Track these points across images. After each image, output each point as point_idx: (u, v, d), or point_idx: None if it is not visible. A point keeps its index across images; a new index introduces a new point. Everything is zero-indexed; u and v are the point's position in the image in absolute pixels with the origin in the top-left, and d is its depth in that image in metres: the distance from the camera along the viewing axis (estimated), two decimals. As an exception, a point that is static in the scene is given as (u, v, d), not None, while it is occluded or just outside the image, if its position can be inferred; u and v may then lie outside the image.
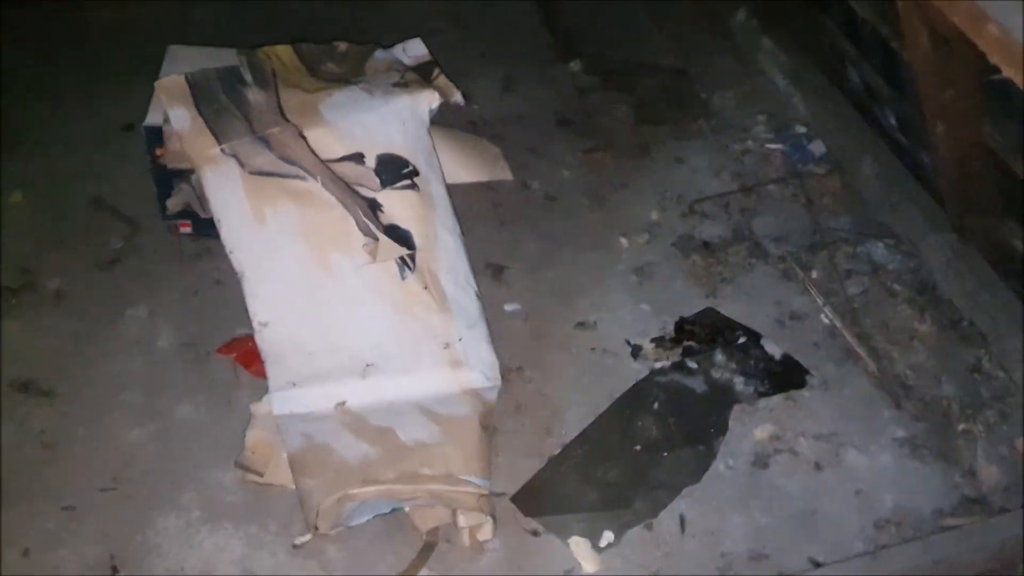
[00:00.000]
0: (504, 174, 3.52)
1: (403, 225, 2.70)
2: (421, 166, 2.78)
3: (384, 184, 2.72)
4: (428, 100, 2.84)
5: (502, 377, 2.82)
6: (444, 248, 2.75)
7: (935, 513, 2.60)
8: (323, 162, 2.68)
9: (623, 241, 3.35)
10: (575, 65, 4.06)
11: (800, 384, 2.92)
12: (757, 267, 3.30)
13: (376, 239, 2.64)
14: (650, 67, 4.10)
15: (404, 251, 2.66)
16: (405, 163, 2.75)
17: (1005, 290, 3.05)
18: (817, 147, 3.74)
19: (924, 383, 2.94)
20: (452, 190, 3.13)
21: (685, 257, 3.32)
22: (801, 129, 3.83)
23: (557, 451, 2.72)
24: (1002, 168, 2.66)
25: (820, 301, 3.17)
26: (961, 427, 2.81)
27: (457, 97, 3.02)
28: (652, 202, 3.52)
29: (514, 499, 2.59)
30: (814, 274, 3.27)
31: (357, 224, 2.65)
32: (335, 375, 2.66)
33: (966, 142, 2.73)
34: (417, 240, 2.70)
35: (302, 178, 2.65)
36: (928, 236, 3.27)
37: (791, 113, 3.87)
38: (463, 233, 2.94)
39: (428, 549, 2.41)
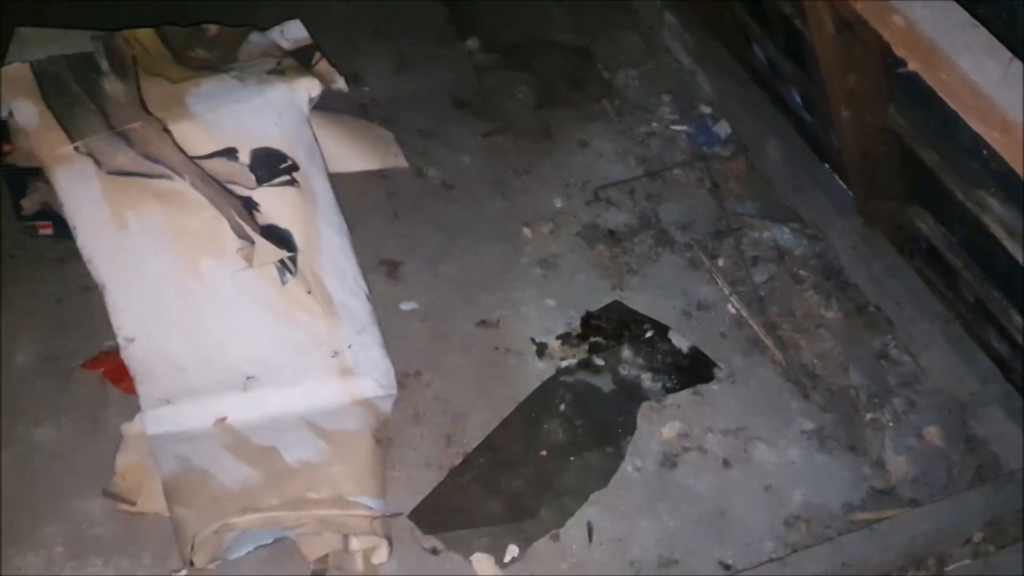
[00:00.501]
0: (398, 161, 3.32)
1: (282, 225, 2.49)
2: (301, 160, 2.56)
3: (260, 181, 2.50)
4: (307, 88, 2.62)
5: (398, 383, 2.65)
6: (329, 248, 2.55)
7: (844, 508, 2.56)
8: (191, 159, 2.44)
9: (526, 231, 3.20)
10: (472, 43, 3.87)
11: (708, 378, 2.84)
12: (664, 256, 3.19)
13: (252, 242, 2.42)
14: (551, 44, 3.94)
15: (284, 253, 2.45)
16: (283, 157, 2.53)
17: (911, 274, 3.02)
18: (722, 128, 3.66)
19: (831, 372, 2.89)
20: (340, 181, 2.93)
21: (591, 247, 3.19)
22: (706, 109, 3.74)
23: (458, 461, 2.57)
24: (908, 153, 2.59)
25: (727, 290, 3.09)
26: (868, 416, 2.77)
27: (340, 83, 2.81)
28: (556, 189, 3.37)
29: (412, 516, 2.44)
30: (720, 262, 3.19)
31: (231, 226, 2.42)
32: (213, 389, 2.45)
33: (871, 127, 2.65)
34: (298, 241, 2.49)
35: (168, 177, 2.41)
36: (835, 220, 3.22)
37: (696, 92, 3.77)
38: (351, 229, 2.74)
39: (317, 578, 2.24)
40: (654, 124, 3.68)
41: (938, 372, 2.84)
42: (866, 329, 3.00)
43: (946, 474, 2.62)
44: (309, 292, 2.49)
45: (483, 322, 2.92)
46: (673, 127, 3.68)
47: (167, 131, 2.43)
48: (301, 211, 2.52)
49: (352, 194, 3.06)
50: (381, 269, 3.00)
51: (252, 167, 2.51)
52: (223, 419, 2.44)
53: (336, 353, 2.51)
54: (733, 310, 3.04)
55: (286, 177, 2.53)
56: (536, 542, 2.43)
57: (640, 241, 3.23)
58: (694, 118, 3.70)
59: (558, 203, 3.33)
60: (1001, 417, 2.63)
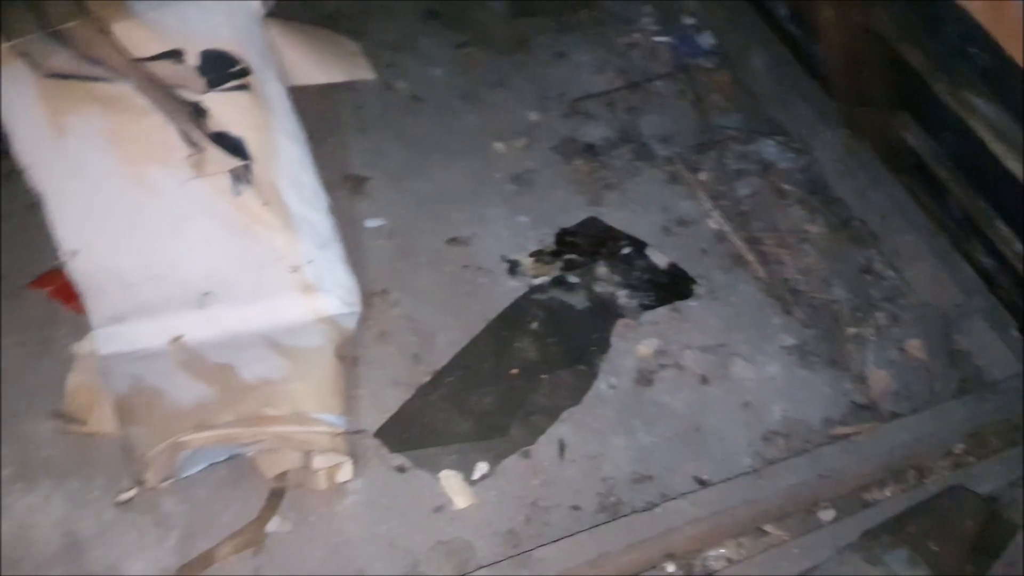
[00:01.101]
0: (365, 73, 3.17)
1: (234, 132, 2.34)
2: (254, 63, 2.41)
3: (210, 85, 2.35)
4: (260, -14, 2.45)
5: (363, 302, 2.54)
6: (286, 158, 2.41)
7: (824, 423, 2.48)
8: (134, 61, 2.29)
9: (499, 146, 3.07)
10: (444, -49, 3.68)
11: (686, 294, 2.74)
12: (643, 170, 3.07)
13: (202, 149, 2.28)
14: (528, -48, 3.75)
15: (237, 162, 2.32)
16: (234, 60, 2.38)
17: (896, 186, 2.91)
18: (706, 40, 3.51)
19: (814, 287, 2.79)
20: (305, 94, 2.78)
21: (567, 162, 3.06)
22: (689, 20, 3.58)
23: (427, 379, 2.47)
24: (892, 57, 2.46)
25: (708, 205, 2.97)
26: (851, 331, 2.68)
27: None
28: (531, 102, 3.23)
29: (379, 434, 2.35)
30: (702, 176, 3.07)
31: (179, 133, 2.28)
32: (168, 307, 2.34)
33: (856, 27, 2.51)
34: (252, 149, 2.35)
35: (109, 81, 2.25)
36: (820, 133, 3.10)
37: (679, 3, 3.60)
38: (315, 144, 2.59)
39: (276, 496, 2.16)
40: (635, 35, 3.52)
41: (922, 286, 2.75)
42: (850, 243, 2.90)
43: (928, 388, 2.54)
44: (266, 204, 2.36)
45: (453, 239, 2.80)
46: (655, 38, 3.53)
47: (108, 31, 2.27)
48: (255, 118, 2.38)
49: (317, 107, 2.92)
50: (346, 185, 2.87)
51: (201, 70, 2.35)
52: (179, 337, 2.33)
53: (296, 268, 2.39)
54: (715, 225, 2.93)
55: (238, 81, 2.38)
56: (506, 459, 2.35)
57: (619, 155, 3.10)
58: (677, 29, 3.55)
59: (533, 117, 3.19)
60: (985, 329, 2.54)
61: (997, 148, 2.23)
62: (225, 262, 2.35)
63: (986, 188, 2.55)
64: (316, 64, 3.05)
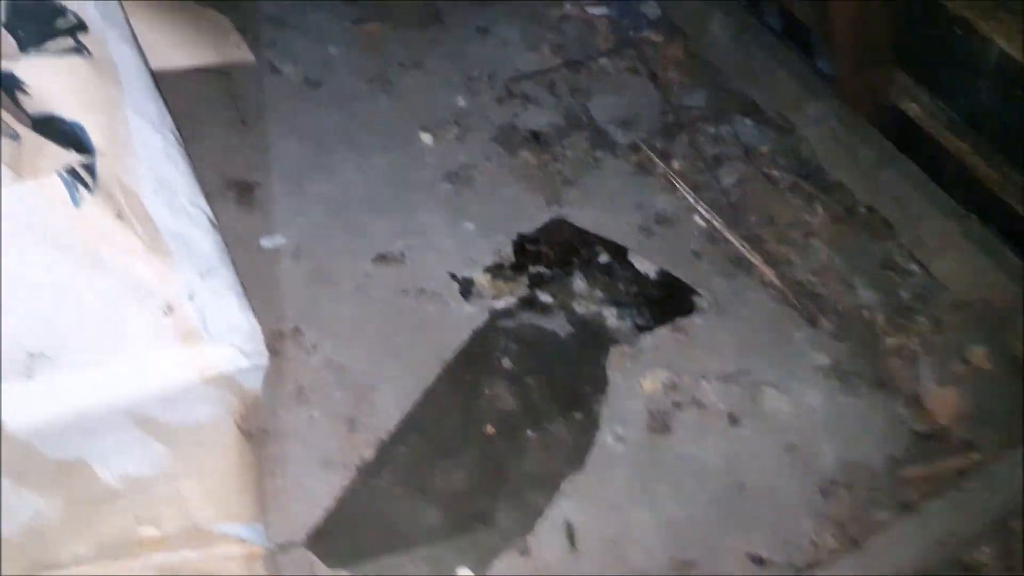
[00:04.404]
0: (241, 54, 2.46)
1: (67, 115, 1.58)
2: (90, 16, 1.66)
3: (24, 46, 1.58)
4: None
5: (269, 348, 1.79)
6: (146, 149, 1.67)
7: (889, 463, 1.94)
8: None
9: (425, 137, 2.42)
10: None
11: (688, 309, 2.17)
12: (605, 161, 2.49)
13: (17, 138, 1.51)
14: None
15: (73, 156, 1.55)
16: (60, 10, 1.62)
17: (907, 162, 2.42)
18: (650, 8, 2.97)
19: (833, 290, 2.28)
20: (164, 82, 2.03)
21: (511, 154, 2.45)
22: (625, -11, 3.03)
23: (369, 454, 1.77)
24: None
25: (690, 198, 2.41)
26: (890, 342, 2.17)
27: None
28: (456, 84, 2.60)
29: (311, 544, 1.62)
30: (676, 164, 2.52)
31: (-24, 115, 1.50)
32: (-25, 381, 1.53)
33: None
34: (95, 138, 1.59)
35: None
36: (803, 106, 2.60)
37: (610, -33, 3.05)
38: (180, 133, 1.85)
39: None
40: (567, 6, 2.96)
41: (959, 279, 2.26)
42: (862, 234, 2.40)
43: (1003, 404, 2.03)
44: (119, 216, 1.60)
45: (381, 256, 2.12)
46: (590, 10, 2.97)
47: None
48: (96, 92, 1.62)
49: (183, 98, 2.17)
50: (230, 194, 2.16)
51: (9, 25, 1.58)
52: (-6, 424, 1.53)
53: (171, 308, 1.63)
54: (702, 222, 2.38)
55: (68, 41, 1.62)
56: (497, 559, 1.67)
57: (572, 144, 2.51)
58: (613, -1, 3.00)
59: (461, 101, 2.56)
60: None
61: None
62: (61, 306, 1.57)
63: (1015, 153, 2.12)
64: (178, 44, 2.34)
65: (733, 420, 1.97)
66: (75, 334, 1.59)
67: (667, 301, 2.17)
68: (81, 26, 1.65)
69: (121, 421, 1.58)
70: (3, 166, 1.52)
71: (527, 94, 2.63)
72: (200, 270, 1.69)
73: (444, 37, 2.75)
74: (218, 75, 2.40)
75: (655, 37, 2.90)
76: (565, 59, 2.77)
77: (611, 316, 2.10)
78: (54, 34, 1.62)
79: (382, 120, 2.43)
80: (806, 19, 2.57)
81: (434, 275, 2.10)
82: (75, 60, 1.63)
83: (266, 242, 2.07)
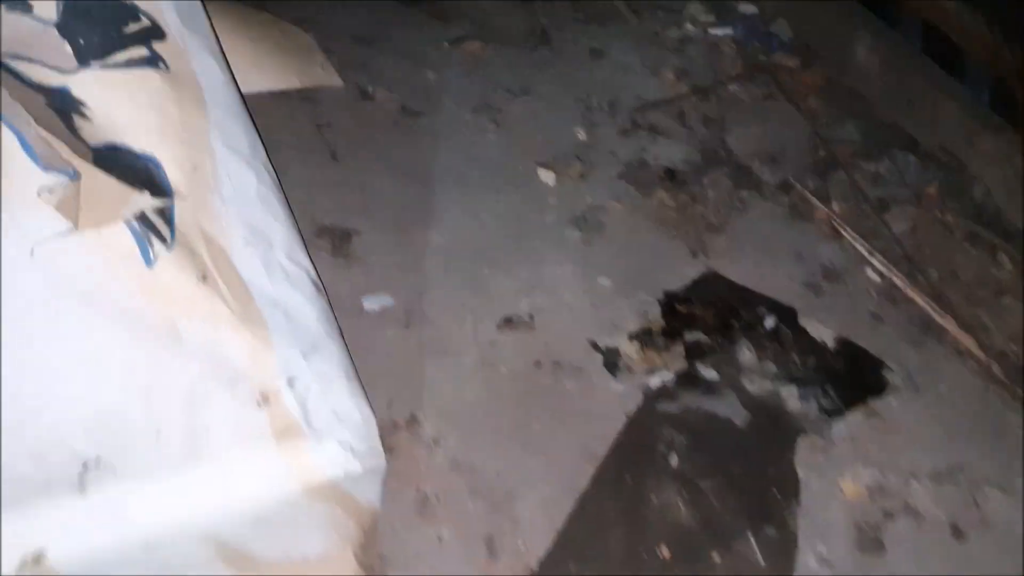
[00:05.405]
0: (327, 77, 2.13)
1: (137, 145, 1.21)
2: (169, 20, 1.29)
3: (84, 57, 1.22)
4: None
5: (383, 443, 1.40)
6: (236, 190, 1.30)
7: None
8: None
9: (545, 176, 2.05)
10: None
11: (880, 387, 1.76)
12: (752, 203, 2.12)
13: (74, 175, 1.14)
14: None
15: (146, 200, 1.18)
16: (131, 10, 1.26)
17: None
18: (781, 29, 2.60)
19: (1045, 361, 1.84)
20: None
21: (644, 195, 2.08)
22: (750, 9, 2.67)
23: (513, 579, 1.36)
24: None
25: (862, 248, 2.01)
26: None
27: None
28: (572, 114, 2.26)
29: None
30: (835, 207, 2.12)
31: (27, 146, 1.13)
32: (16, 496, 1.14)
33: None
34: (173, 175, 1.22)
35: None
36: (974, 141, 2.20)
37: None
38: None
39: None
40: (687, 26, 2.63)
41: None
42: (1063, 293, 1.98)
43: None
44: (203, 278, 1.22)
45: (507, 320, 1.73)
46: (713, 30, 2.60)
47: None
48: (175, 117, 1.26)
49: (260, 127, 1.81)
50: (321, 243, 1.78)
51: (65, 29, 1.22)
52: (39, 555, 1.14)
53: (265, 398, 1.25)
54: (877, 277, 1.99)
55: (140, 50, 1.25)
56: None
57: (713, 183, 2.14)
58: (736, 18, 2.63)
59: (581, 134, 2.20)
60: None
61: None
62: (125, 399, 1.19)
63: None
64: (254, 63, 1.97)
65: (957, 533, 1.56)
66: (142, 434, 1.21)
67: (853, 377, 1.76)
68: (157, 32, 1.29)
69: (199, 551, 1.19)
70: (55, 212, 1.15)
71: (654, 125, 2.27)
72: (303, 347, 1.31)
73: (553, 59, 2.41)
74: (301, 100, 2.06)
75: (789, 61, 2.55)
76: (692, 85, 2.41)
77: (791, 397, 1.69)
78: (122, 41, 1.26)
79: (493, 155, 2.07)
80: (959, 38, 2.20)
81: (571, 343, 1.71)
82: (149, 74, 1.27)
83: (369, 304, 1.69)
